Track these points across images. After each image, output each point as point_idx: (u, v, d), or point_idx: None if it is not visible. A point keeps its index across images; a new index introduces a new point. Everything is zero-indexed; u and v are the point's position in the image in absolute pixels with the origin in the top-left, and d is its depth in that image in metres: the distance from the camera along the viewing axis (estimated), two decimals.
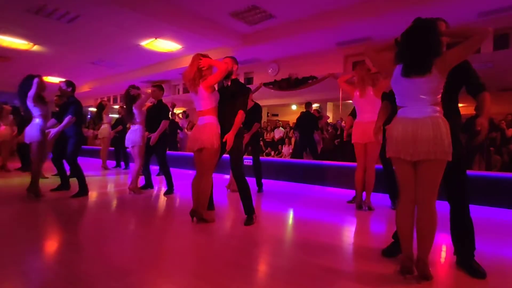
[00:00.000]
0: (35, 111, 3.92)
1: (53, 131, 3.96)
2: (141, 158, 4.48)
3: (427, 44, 1.78)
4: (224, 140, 2.92)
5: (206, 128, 2.93)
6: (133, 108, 4.38)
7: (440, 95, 1.83)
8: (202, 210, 3.00)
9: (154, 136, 4.39)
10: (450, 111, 1.95)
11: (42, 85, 3.95)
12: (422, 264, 1.84)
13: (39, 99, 3.95)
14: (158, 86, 4.64)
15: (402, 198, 1.95)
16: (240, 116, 2.97)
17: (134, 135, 4.38)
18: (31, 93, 3.83)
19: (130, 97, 4.38)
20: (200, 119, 3.02)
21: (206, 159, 2.97)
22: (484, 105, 1.93)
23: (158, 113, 4.53)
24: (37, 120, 3.94)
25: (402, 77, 1.86)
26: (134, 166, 4.51)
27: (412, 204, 1.91)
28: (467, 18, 5.80)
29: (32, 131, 3.93)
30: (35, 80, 3.84)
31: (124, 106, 4.59)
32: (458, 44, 1.80)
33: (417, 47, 1.80)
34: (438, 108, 1.82)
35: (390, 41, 1.99)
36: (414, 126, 1.80)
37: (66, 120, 3.95)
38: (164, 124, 4.43)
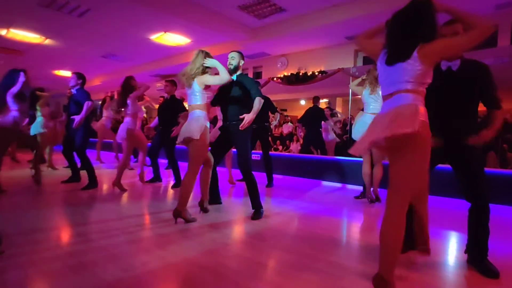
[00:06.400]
0: (13, 106, 3.60)
1: (76, 118, 4.05)
2: (128, 152, 4.33)
3: (413, 26, 1.55)
4: (241, 117, 2.96)
5: (193, 120, 2.81)
6: (128, 99, 4.22)
7: (423, 86, 1.57)
8: (181, 207, 2.79)
9: (176, 131, 4.31)
10: (469, 115, 1.95)
11: (27, 83, 3.65)
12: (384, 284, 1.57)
13: (20, 97, 3.62)
14: (171, 81, 4.63)
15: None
16: (258, 103, 3.00)
17: (121, 129, 4.26)
18: (14, 90, 3.56)
19: (128, 87, 4.24)
20: (190, 114, 2.89)
21: (191, 152, 2.84)
22: (494, 122, 1.93)
23: (170, 108, 4.50)
24: (11, 113, 3.56)
25: (386, 65, 1.64)
26: (122, 160, 4.29)
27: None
28: (483, 10, 5.59)
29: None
30: (21, 79, 3.58)
31: (118, 95, 4.39)
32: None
33: (402, 30, 1.58)
34: (419, 97, 1.55)
35: (382, 24, 1.74)
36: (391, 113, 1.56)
37: (85, 106, 4.06)
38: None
